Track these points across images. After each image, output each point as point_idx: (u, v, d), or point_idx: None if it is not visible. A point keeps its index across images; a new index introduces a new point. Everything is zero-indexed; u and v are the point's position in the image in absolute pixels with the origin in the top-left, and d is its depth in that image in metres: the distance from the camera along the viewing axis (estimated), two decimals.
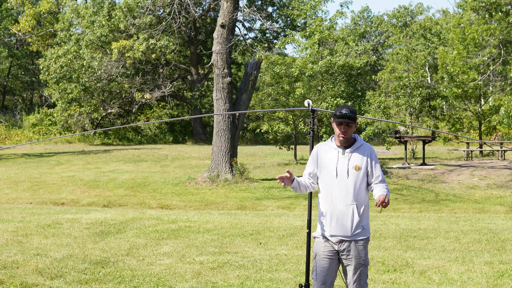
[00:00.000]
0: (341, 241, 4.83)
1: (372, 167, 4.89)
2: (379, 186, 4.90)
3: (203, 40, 38.12)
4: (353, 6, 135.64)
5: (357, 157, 4.85)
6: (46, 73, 33.64)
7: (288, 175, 4.86)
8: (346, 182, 4.82)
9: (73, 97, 33.67)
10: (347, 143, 4.89)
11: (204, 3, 36.14)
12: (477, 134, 28.00)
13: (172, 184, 18.66)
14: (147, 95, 33.66)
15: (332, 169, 4.86)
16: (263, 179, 19.43)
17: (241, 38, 33.34)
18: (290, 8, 36.11)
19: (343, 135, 4.81)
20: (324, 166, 4.91)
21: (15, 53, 46.95)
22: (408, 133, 28.09)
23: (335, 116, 4.84)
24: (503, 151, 23.74)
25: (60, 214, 11.77)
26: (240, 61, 40.82)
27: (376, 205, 4.78)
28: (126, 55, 30.66)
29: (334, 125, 4.88)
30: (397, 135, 23.98)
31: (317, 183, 4.99)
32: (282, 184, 4.86)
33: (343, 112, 4.78)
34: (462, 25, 27.87)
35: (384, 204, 4.74)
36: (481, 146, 26.27)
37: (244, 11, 22.25)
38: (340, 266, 4.91)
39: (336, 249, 4.85)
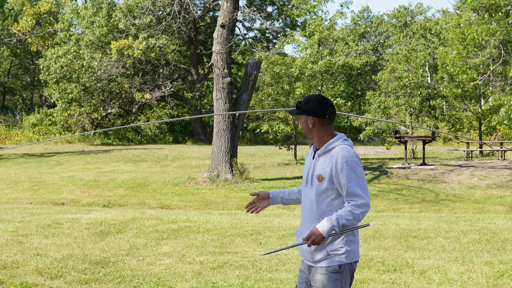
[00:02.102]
0: (310, 267, 3.89)
1: (339, 176, 3.74)
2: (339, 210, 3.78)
3: (203, 40, 38.14)
4: (353, 6, 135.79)
5: (321, 164, 3.83)
6: (46, 73, 33.66)
7: (254, 197, 4.02)
8: (310, 194, 3.86)
9: (73, 97, 33.70)
10: (319, 144, 3.89)
11: (203, 3, 36.16)
12: (477, 134, 28.00)
13: (172, 184, 18.66)
14: (147, 95, 33.68)
15: (304, 177, 3.98)
16: (263, 179, 19.42)
17: (241, 38, 33.35)
18: (290, 7, 36.11)
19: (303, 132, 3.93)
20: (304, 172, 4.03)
21: (16, 51, 46.95)
22: (408, 133, 28.09)
23: None
24: (503, 151, 23.73)
25: (60, 214, 11.77)
26: (240, 61, 40.84)
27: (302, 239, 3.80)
28: (125, 53, 30.68)
29: None
30: (397, 135, 23.98)
31: None
32: (253, 211, 3.99)
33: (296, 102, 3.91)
34: (461, 25, 27.88)
35: (308, 243, 3.72)
36: (481, 146, 26.27)
37: (244, 11, 22.25)
38: None
39: (309, 277, 3.92)
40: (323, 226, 3.67)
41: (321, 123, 3.85)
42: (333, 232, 3.69)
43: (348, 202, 3.71)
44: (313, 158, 3.90)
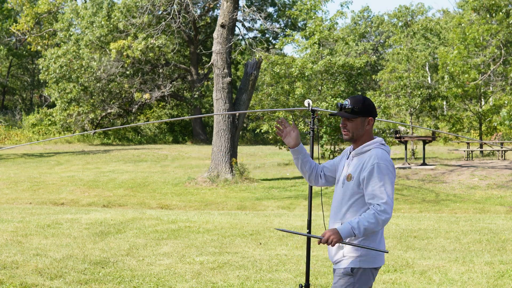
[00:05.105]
0: (334, 269, 3.84)
1: (365, 178, 3.69)
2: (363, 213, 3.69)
3: (203, 40, 38.12)
4: (353, 6, 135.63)
5: (354, 164, 3.80)
6: (46, 73, 33.64)
7: (289, 125, 3.97)
8: (339, 193, 3.84)
9: (73, 97, 33.68)
10: (355, 145, 3.86)
11: (203, 3, 36.15)
12: (477, 134, 27.99)
13: (172, 184, 18.65)
14: (146, 96, 33.65)
15: (336, 176, 3.99)
16: (263, 179, 19.41)
17: (241, 38, 33.34)
18: (292, 9, 36.10)
19: (343, 132, 3.87)
20: (338, 170, 3.99)
21: (15, 52, 46.92)
22: (408, 133, 28.08)
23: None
24: (503, 151, 23.72)
25: (59, 214, 11.75)
26: (240, 61, 40.82)
27: (318, 243, 3.67)
28: (124, 54, 30.67)
29: None
30: (397, 135, 23.95)
31: (325, 179, 4.04)
32: (280, 130, 3.97)
33: (340, 103, 3.85)
34: (462, 24, 27.87)
35: (327, 242, 3.59)
36: (481, 146, 26.25)
37: (244, 11, 22.23)
38: None
39: None
40: (343, 227, 3.59)
41: (373, 124, 3.85)
42: (353, 235, 3.58)
43: (373, 206, 3.62)
44: (347, 158, 3.90)
